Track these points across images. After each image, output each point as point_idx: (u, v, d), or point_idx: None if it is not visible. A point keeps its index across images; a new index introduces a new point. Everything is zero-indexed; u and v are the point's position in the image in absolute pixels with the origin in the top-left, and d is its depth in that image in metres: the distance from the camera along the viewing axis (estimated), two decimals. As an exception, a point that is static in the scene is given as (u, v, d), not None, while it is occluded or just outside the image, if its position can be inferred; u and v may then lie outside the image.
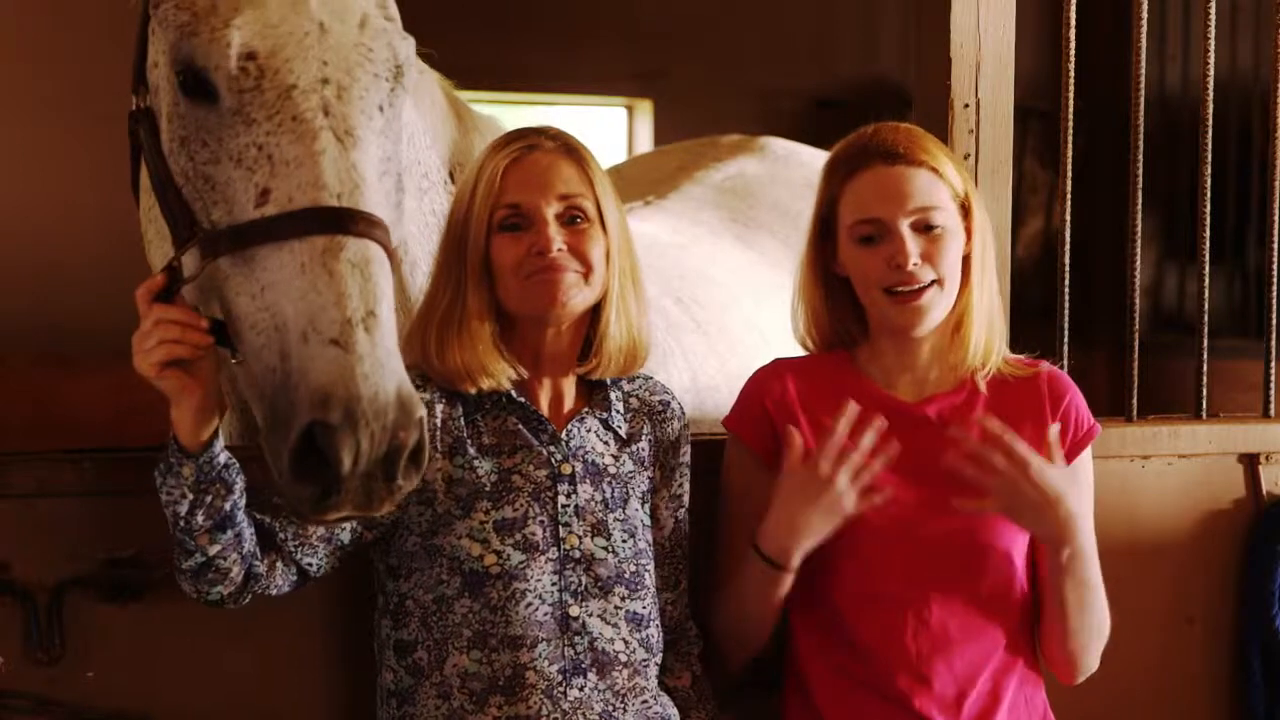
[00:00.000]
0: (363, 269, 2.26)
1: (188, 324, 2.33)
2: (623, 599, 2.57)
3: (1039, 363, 2.86)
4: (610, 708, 2.54)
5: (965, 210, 2.73)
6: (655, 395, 2.71)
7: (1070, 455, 2.77)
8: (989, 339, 2.76)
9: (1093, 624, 2.74)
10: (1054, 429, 2.69)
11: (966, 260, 2.73)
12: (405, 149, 2.74)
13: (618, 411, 2.65)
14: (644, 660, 2.59)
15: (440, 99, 3.07)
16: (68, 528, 2.62)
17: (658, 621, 2.63)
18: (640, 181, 4.51)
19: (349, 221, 2.28)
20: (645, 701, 2.58)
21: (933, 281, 2.67)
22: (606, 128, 8.19)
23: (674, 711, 2.63)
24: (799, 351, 2.89)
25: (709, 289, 3.80)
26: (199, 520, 2.39)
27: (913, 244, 2.66)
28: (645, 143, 8.04)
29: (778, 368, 2.83)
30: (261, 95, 2.33)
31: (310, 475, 2.22)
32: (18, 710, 2.58)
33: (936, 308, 2.69)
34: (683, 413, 2.74)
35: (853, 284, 2.75)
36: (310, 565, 2.54)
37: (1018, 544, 2.75)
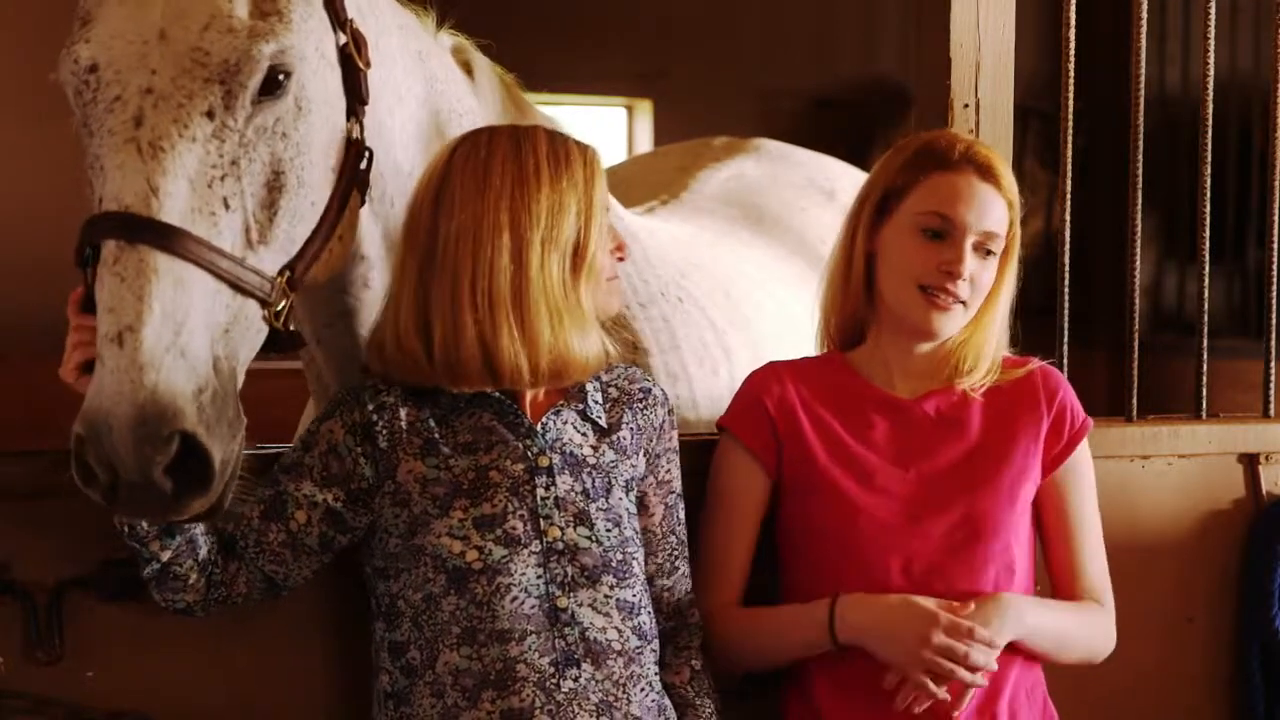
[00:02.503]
0: (131, 281, 2.21)
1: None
2: (612, 587, 2.56)
3: (1029, 359, 2.89)
4: (610, 698, 2.53)
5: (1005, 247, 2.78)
6: (635, 384, 2.71)
7: (1067, 451, 2.81)
8: (983, 368, 2.81)
9: (1077, 655, 2.81)
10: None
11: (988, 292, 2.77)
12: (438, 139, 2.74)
13: (596, 402, 2.65)
14: (638, 648, 2.58)
15: (498, 89, 3.08)
16: (68, 528, 2.61)
17: (649, 609, 2.63)
18: (640, 183, 4.50)
19: (117, 229, 2.24)
20: (643, 689, 2.58)
21: (963, 302, 2.72)
22: (606, 128, 8.18)
23: (669, 703, 2.63)
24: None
25: (737, 288, 3.81)
26: (144, 525, 2.40)
27: (970, 259, 2.70)
28: (645, 143, 8.04)
29: (775, 369, 2.85)
30: (96, 107, 2.32)
31: (91, 480, 2.22)
32: (18, 710, 2.58)
33: (954, 322, 2.74)
34: (665, 399, 2.74)
35: (880, 268, 2.78)
36: (277, 573, 2.55)
37: (1018, 536, 2.76)
